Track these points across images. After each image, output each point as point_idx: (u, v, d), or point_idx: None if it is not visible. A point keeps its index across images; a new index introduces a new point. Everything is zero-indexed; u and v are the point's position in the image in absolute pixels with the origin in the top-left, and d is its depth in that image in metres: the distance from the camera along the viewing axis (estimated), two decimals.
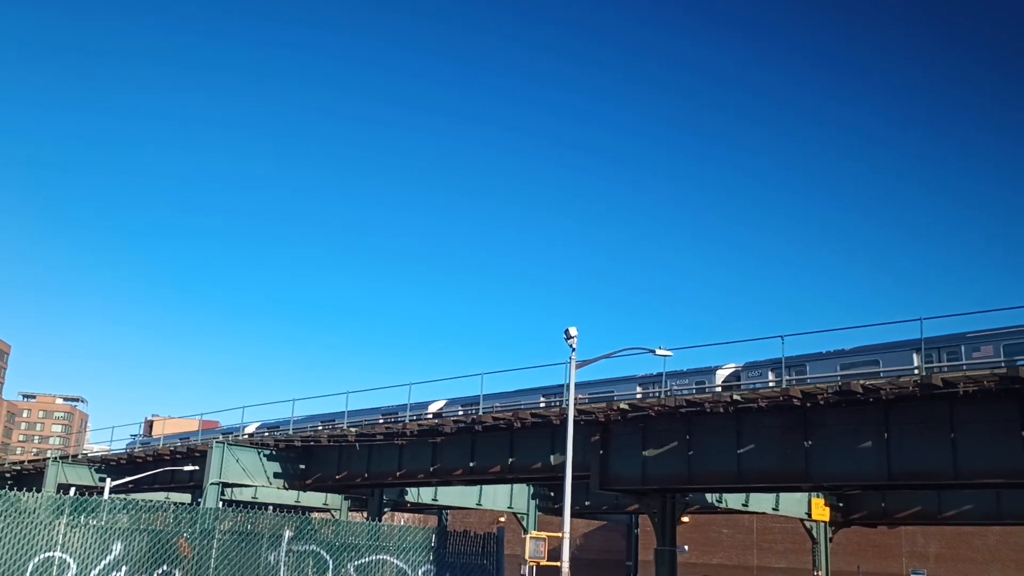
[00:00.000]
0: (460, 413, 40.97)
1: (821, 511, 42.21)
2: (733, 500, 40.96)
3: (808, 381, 29.58)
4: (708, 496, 39.46)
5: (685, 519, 41.64)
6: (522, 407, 37.68)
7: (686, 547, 54.91)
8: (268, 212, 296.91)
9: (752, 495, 40.92)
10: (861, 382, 25.94)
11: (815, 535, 45.72)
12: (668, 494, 33.49)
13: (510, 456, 34.84)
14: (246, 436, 46.05)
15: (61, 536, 17.02)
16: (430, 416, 44.30)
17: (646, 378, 41.35)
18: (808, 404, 26.82)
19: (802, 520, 44.97)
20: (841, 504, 44.92)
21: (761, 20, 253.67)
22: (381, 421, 42.81)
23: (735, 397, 28.15)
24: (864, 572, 66.56)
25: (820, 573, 45.32)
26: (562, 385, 43.44)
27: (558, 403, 38.06)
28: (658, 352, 29.09)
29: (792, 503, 42.45)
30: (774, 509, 42.29)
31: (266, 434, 45.28)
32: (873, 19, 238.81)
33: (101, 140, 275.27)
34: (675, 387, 38.68)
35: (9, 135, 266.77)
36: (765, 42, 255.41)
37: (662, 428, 30.47)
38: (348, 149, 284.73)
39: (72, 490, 46.62)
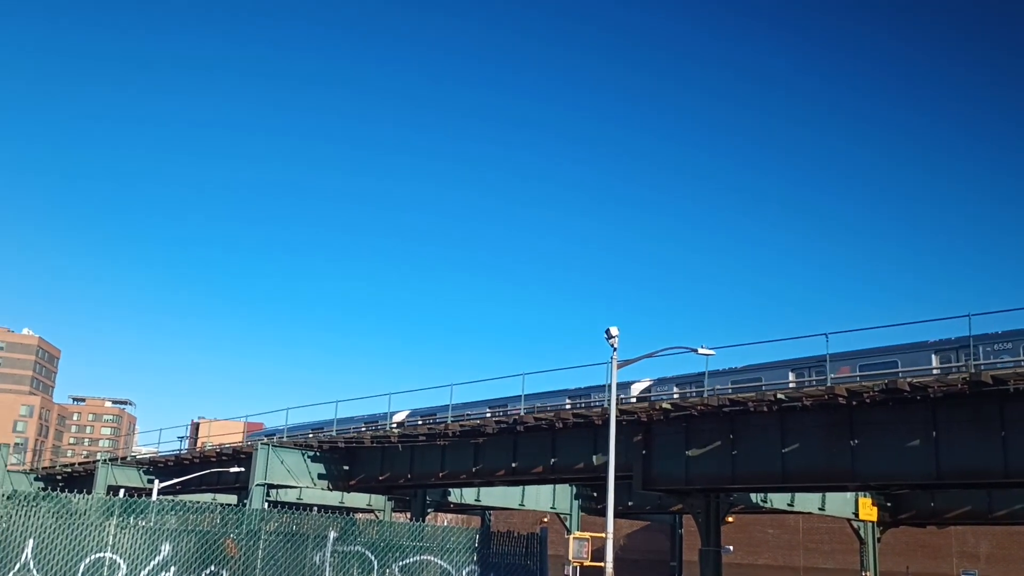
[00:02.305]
0: (489, 415, 41.14)
1: (868, 511, 41.66)
2: (778, 500, 40.58)
3: (830, 381, 29.34)
4: (753, 496, 39.13)
5: (730, 519, 41.30)
6: (563, 407, 37.66)
7: (731, 547, 54.43)
8: (308, 217, 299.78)
9: (798, 495, 40.51)
10: (908, 380, 25.57)
11: (863, 535, 45.14)
12: (712, 494, 33.25)
13: (552, 456, 34.80)
14: (290, 438, 46.48)
15: (111, 537, 17.29)
16: (471, 416, 44.37)
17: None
18: (854, 403, 26.49)
19: (849, 520, 44.42)
20: (889, 504, 44.31)
21: (793, 17, 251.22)
22: (420, 422, 43.16)
23: (779, 396, 27.90)
24: (913, 573, 65.52)
25: (868, 574, 44.72)
26: (587, 388, 43.55)
27: (596, 404, 37.95)
28: (700, 351, 28.91)
29: (839, 503, 41.94)
30: (820, 509, 41.82)
31: (310, 435, 45.68)
32: (901, 15, 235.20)
33: (138, 147, 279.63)
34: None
35: (51, 143, 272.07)
36: (814, 44, 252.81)
37: (705, 427, 30.26)
38: (385, 155, 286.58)
39: (121, 492, 47.46)
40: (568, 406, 40.15)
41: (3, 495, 18.18)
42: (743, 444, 29.52)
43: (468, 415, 41.82)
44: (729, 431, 29.79)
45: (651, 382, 40.84)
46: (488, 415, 41.40)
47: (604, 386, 42.41)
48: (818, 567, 72.11)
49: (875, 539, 45.22)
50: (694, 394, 34.40)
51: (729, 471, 29.84)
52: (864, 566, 44.98)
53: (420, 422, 43.56)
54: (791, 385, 30.78)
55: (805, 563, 73.10)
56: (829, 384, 27.61)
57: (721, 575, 33.45)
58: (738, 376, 35.19)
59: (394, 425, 44.13)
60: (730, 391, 34.57)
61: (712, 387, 33.93)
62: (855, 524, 44.86)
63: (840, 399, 26.39)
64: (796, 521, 71.96)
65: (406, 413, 49.66)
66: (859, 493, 40.93)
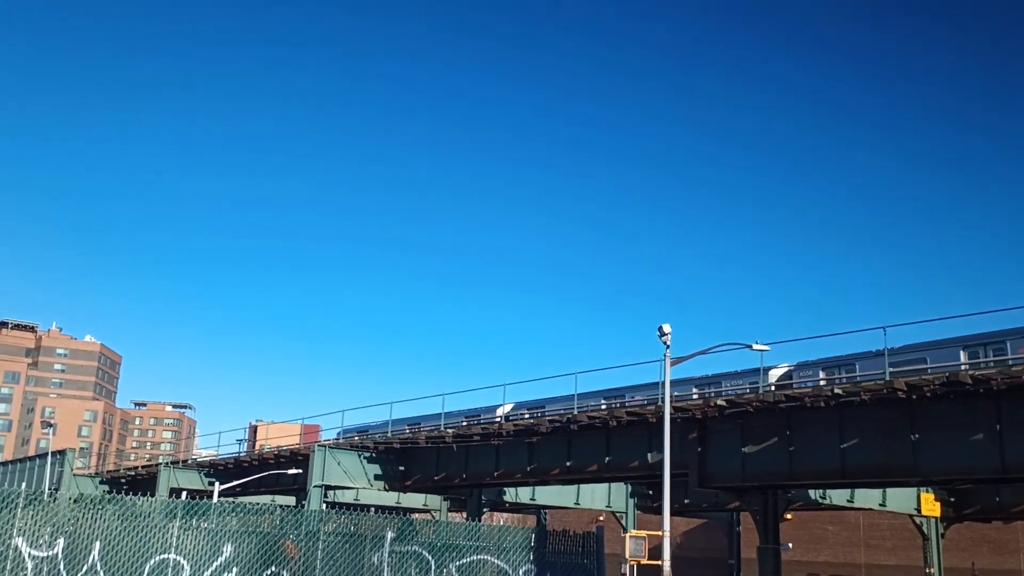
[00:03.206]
0: (525, 415, 40.94)
1: (931, 506, 40.87)
2: (837, 496, 40.01)
3: (858, 378, 28.95)
4: (811, 492, 38.63)
5: (788, 516, 40.84)
6: (616, 406, 37.52)
7: (790, 544, 53.73)
8: (364, 220, 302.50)
9: (857, 491, 39.91)
10: (971, 372, 25.06)
11: (926, 531, 44.28)
12: (769, 491, 32.88)
13: (607, 455, 34.71)
14: (346, 439, 46.97)
15: (175, 539, 17.66)
16: (525, 416, 44.40)
17: (703, 379, 40.63)
18: (914, 396, 26.02)
19: (911, 516, 43.62)
20: (953, 499, 43.44)
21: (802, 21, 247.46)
22: (526, 415, 42.84)
23: (836, 391, 27.51)
24: (979, 569, 64.07)
25: (932, 570, 43.83)
26: (627, 388, 43.24)
27: (627, 402, 37.75)
28: (755, 347, 28.59)
29: (900, 498, 41.22)
30: (881, 505, 41.14)
31: (363, 436, 46.12)
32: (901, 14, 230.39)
33: (185, 156, 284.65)
34: (728, 386, 38.32)
35: (104, 152, 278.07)
36: (831, 48, 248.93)
37: (761, 424, 29.95)
38: (436, 156, 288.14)
39: (183, 494, 48.35)
40: (603, 406, 39.97)
41: (71, 498, 18.66)
42: (800, 440, 29.16)
43: (559, 410, 41.29)
44: (786, 427, 29.45)
45: (790, 367, 38.91)
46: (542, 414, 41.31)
47: (640, 385, 42.29)
48: (880, 564, 70.89)
49: (939, 535, 44.31)
50: (751, 390, 34.00)
51: (786, 467, 29.49)
52: (928, 563, 44.10)
53: (527, 415, 42.60)
54: (963, 367, 29.82)
55: (867, 560, 71.92)
56: (887, 378, 27.14)
57: (780, 573, 33.06)
58: (897, 357, 33.40)
59: (500, 418, 43.76)
60: (767, 388, 34.17)
61: (866, 372, 33.45)
62: (918, 520, 44.02)
63: (900, 393, 25.93)
64: (857, 517, 70.87)
65: (510, 406, 48.90)
66: (921, 488, 40.20)
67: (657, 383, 39.01)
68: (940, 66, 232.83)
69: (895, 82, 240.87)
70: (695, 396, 36.75)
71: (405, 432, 43.95)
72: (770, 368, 38.62)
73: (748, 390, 35.16)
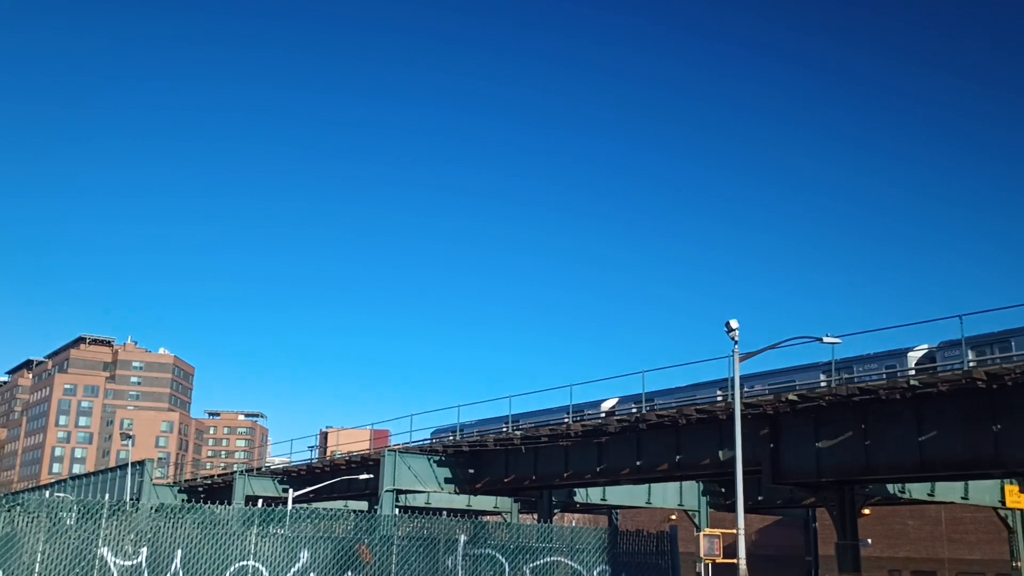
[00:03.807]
0: (633, 409, 39.94)
1: (1016, 498, 39.64)
2: (917, 490, 39.07)
3: (967, 365, 27.84)
4: (890, 487, 37.76)
5: (866, 511, 39.98)
6: (686, 403, 37.12)
7: (869, 540, 52.54)
8: (432, 226, 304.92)
9: (938, 484, 38.91)
10: None
11: (1011, 524, 42.97)
12: (846, 486, 32.19)
13: (677, 453, 34.38)
14: (415, 443, 47.28)
15: (253, 546, 17.94)
16: (595, 415, 44.09)
17: (827, 365, 38.53)
18: (994, 386, 25.24)
19: (996, 508, 42.37)
20: None
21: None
22: (633, 408, 42.01)
23: (912, 383, 26.84)
24: None
25: (1019, 564, 42.52)
26: (696, 384, 42.48)
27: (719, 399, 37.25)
28: (825, 340, 28.00)
29: (983, 491, 40.10)
30: (963, 498, 40.07)
31: (434, 440, 46.36)
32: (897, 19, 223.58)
33: (254, 160, 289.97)
34: (861, 371, 36.26)
35: (173, 162, 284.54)
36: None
37: (835, 418, 29.37)
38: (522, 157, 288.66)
39: (260, 502, 49.17)
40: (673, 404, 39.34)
41: (152, 508, 19.10)
42: (876, 433, 28.52)
43: (635, 407, 40.46)
44: (861, 421, 28.83)
45: (932, 348, 36.61)
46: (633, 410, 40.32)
47: (671, 390, 41.58)
48: (964, 558, 68.99)
49: None
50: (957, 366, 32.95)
51: (863, 461, 28.87)
52: (1015, 556, 42.79)
53: (633, 408, 41.42)
54: None
55: (949, 555, 70.06)
56: (967, 368, 26.39)
57: (860, 569, 32.33)
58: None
59: (602, 414, 43.23)
60: (860, 380, 33.46)
61: (894, 367, 32.58)
62: (1002, 512, 42.76)
63: (979, 383, 25.19)
64: (938, 511, 69.09)
65: (615, 400, 48.13)
66: (1005, 480, 39.01)
67: (904, 350, 36.96)
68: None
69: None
70: (821, 382, 35.10)
71: (502, 431, 43.55)
72: (907, 351, 36.44)
73: (822, 384, 34.48)
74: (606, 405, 46.85)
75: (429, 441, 45.62)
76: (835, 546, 32.59)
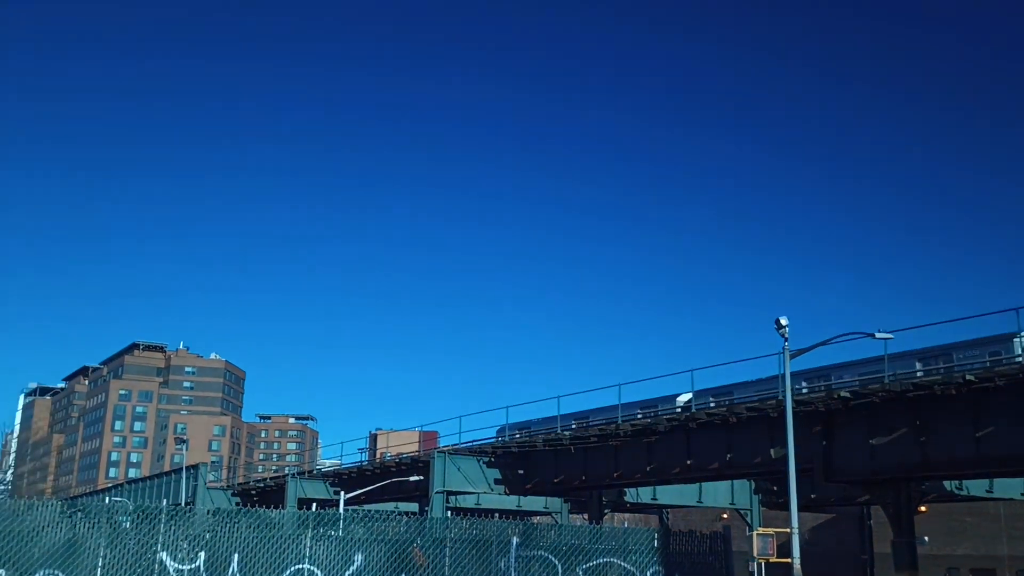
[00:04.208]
0: (712, 405, 39.22)
1: None
2: (975, 486, 38.34)
3: None
4: (947, 483, 37.09)
5: (922, 509, 39.22)
6: (737, 401, 36.79)
7: (926, 538, 51.62)
8: (476, 228, 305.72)
9: (996, 480, 38.12)
10: None
11: None
12: (901, 483, 31.68)
13: (728, 452, 34.09)
14: (464, 445, 47.41)
15: (308, 549, 18.15)
16: (670, 410, 43.30)
17: (923, 352, 35.68)
18: None
19: None
20: None
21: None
22: (712, 402, 41.23)
23: (968, 377, 26.34)
24: None
25: None
26: (668, 396, 41.81)
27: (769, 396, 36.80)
28: (878, 335, 27.59)
29: None
30: (1023, 494, 39.19)
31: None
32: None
33: (302, 168, 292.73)
34: (962, 359, 34.08)
35: (225, 167, 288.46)
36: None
37: (889, 415, 28.92)
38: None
39: (313, 504, 49.65)
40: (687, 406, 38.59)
41: (208, 511, 19.42)
42: (932, 430, 28.04)
43: (713, 403, 39.73)
44: (915, 417, 28.36)
45: None
46: (712, 405, 39.59)
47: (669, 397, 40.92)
48: None
49: None
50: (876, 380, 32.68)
51: (918, 458, 28.39)
52: None
53: (712, 403, 40.66)
54: None
55: (1009, 552, 68.52)
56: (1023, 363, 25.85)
57: (917, 567, 31.82)
58: None
59: (678, 408, 42.40)
60: (917, 376, 32.90)
61: (894, 371, 31.99)
62: None
63: None
64: (996, 508, 67.56)
65: (690, 395, 47.15)
66: None
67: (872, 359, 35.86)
68: None
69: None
70: (920, 371, 33.16)
71: (571, 426, 43.20)
72: (1012, 335, 32.86)
73: (874, 380, 33.92)
74: (682, 399, 45.76)
75: (480, 442, 45.55)
76: (891, 544, 32.11)
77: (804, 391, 35.46)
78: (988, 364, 31.36)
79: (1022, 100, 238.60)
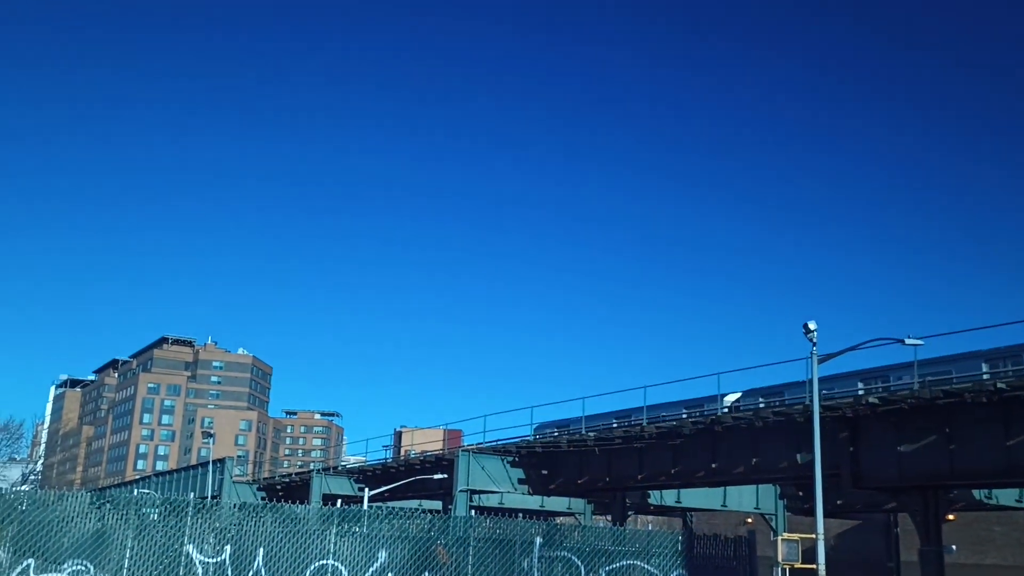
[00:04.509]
0: (761, 404, 38.77)
1: None
2: (1005, 496, 37.88)
3: None
4: (975, 492, 36.66)
5: (950, 517, 38.84)
6: (763, 406, 36.54)
7: (954, 547, 50.99)
8: (502, 227, 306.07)
9: None
10: None
11: None
12: (929, 491, 31.34)
13: (753, 456, 33.87)
14: (489, 444, 47.48)
15: (332, 545, 18.25)
16: (712, 411, 42.83)
17: (992, 353, 34.40)
18: None
19: None
20: None
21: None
22: (761, 403, 40.69)
23: (999, 386, 26.01)
24: None
25: None
26: (785, 385, 41.21)
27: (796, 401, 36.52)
28: (907, 341, 27.29)
29: None
30: None
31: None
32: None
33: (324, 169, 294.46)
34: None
35: (248, 167, 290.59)
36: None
37: (918, 422, 28.62)
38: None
39: (338, 501, 49.91)
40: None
41: (234, 506, 19.57)
42: (961, 438, 27.72)
43: (763, 402, 39.23)
44: (945, 424, 28.04)
45: None
46: (762, 405, 39.31)
47: (714, 397, 40.56)
48: None
49: None
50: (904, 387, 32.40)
51: (947, 466, 28.08)
52: None
53: (761, 403, 40.12)
54: None
55: None
56: None
57: None
58: None
59: (722, 408, 41.81)
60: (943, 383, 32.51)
61: (923, 378, 31.61)
62: None
63: None
64: None
65: (738, 394, 46.53)
66: None
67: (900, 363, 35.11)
68: None
69: None
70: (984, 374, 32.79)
71: (633, 422, 42.68)
72: None
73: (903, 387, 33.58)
74: (729, 399, 45.17)
75: (505, 441, 45.56)
76: (918, 552, 31.76)
77: (859, 391, 34.76)
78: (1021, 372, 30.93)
79: None
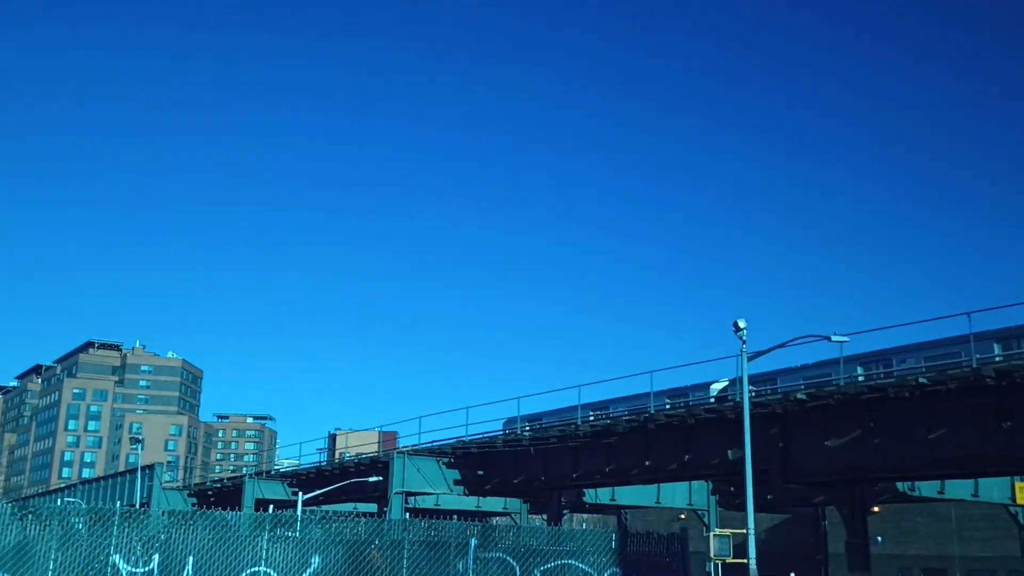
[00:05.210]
0: (667, 406, 39.16)
1: None
2: (927, 488, 38.97)
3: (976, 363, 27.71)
4: (900, 485, 37.66)
5: (876, 509, 39.81)
6: (694, 403, 37.07)
7: (879, 538, 52.46)
8: (432, 231, 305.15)
9: (948, 482, 38.78)
10: None
11: (1021, 521, 42.85)
12: (855, 485, 32.13)
13: (686, 453, 34.34)
14: (424, 446, 47.29)
15: (264, 551, 17.99)
16: (704, 400, 42.98)
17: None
18: (1003, 383, 25.17)
19: (1006, 506, 42.23)
20: None
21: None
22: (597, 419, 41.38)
23: (921, 380, 26.76)
24: None
25: None
26: (683, 388, 41.95)
27: (728, 399, 37.15)
28: (834, 338, 27.95)
29: (993, 488, 39.94)
30: (973, 496, 39.93)
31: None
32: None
33: (261, 171, 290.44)
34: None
35: (186, 167, 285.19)
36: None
37: (844, 417, 29.30)
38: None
39: (270, 506, 49.21)
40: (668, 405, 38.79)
41: (163, 513, 19.17)
42: (886, 432, 28.46)
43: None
44: (870, 420, 28.77)
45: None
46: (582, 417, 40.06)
47: (704, 384, 41.14)
48: (974, 556, 68.74)
49: None
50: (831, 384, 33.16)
51: (873, 460, 28.81)
52: None
53: (753, 390, 40.04)
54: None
55: (960, 552, 69.81)
56: (976, 366, 26.31)
57: (870, 567, 32.31)
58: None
59: (710, 397, 41.77)
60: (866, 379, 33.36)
61: (849, 374, 32.51)
62: (1012, 510, 42.63)
63: (988, 380, 25.12)
64: (948, 509, 68.80)
65: (726, 382, 46.36)
66: (1016, 478, 38.87)
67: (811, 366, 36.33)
68: None
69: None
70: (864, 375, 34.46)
71: (590, 418, 42.72)
72: None
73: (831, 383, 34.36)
74: (716, 387, 45.09)
75: (440, 442, 45.47)
76: (845, 544, 32.54)
77: (860, 377, 35.22)
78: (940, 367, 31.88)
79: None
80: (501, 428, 47.66)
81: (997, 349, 31.02)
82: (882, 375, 34.63)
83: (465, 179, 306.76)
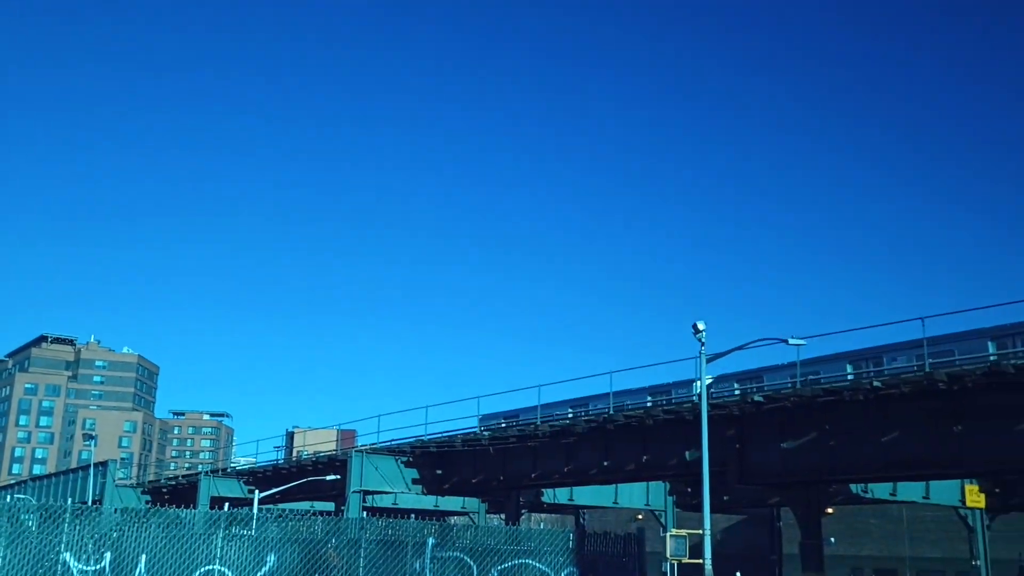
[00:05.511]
0: (737, 391, 39.09)
1: (975, 498, 40.30)
2: (880, 490, 39.53)
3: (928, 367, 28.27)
4: (853, 487, 38.20)
5: (830, 510, 40.35)
6: (652, 404, 37.28)
7: (832, 539, 53.04)
8: (397, 224, 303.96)
9: (900, 484, 39.41)
10: (1012, 363, 24.66)
11: (971, 523, 43.66)
12: (811, 486, 32.56)
13: (644, 454, 34.56)
14: (383, 444, 47.11)
15: (219, 549, 17.80)
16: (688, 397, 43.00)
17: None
18: (955, 387, 25.64)
19: (956, 508, 43.02)
20: (998, 490, 42.79)
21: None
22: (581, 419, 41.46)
23: (875, 384, 27.18)
24: None
25: (979, 563, 43.23)
26: (672, 384, 42.22)
27: (686, 400, 37.42)
28: (791, 341, 28.27)
29: (944, 491, 40.67)
30: (924, 498, 40.61)
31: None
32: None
33: (230, 167, 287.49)
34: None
35: (140, 164, 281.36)
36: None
37: (800, 419, 29.67)
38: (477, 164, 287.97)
39: (226, 504, 48.73)
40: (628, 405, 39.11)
41: (115, 511, 18.89)
42: (841, 434, 28.86)
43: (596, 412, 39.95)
44: (825, 422, 29.16)
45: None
46: (570, 415, 40.75)
47: (688, 381, 41.33)
48: (925, 556, 69.95)
49: (984, 526, 43.69)
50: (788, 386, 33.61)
51: (827, 462, 29.20)
52: (974, 555, 43.50)
53: (737, 388, 40.60)
54: (992, 357, 29.35)
55: (911, 553, 71.02)
56: (928, 370, 26.78)
57: (823, 568, 32.72)
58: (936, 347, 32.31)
59: (694, 394, 41.60)
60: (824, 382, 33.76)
61: (804, 377, 32.99)
62: (962, 512, 43.42)
63: (940, 384, 25.57)
64: (900, 511, 69.93)
65: (710, 379, 45.58)
66: (966, 480, 39.60)
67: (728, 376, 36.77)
68: None
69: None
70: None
71: (568, 416, 42.64)
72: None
73: (788, 385, 34.79)
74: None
75: (399, 441, 45.41)
76: (799, 545, 32.93)
77: (850, 376, 35.59)
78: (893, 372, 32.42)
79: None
80: (476, 425, 47.54)
81: (992, 346, 31.48)
82: (864, 375, 34.97)
83: (425, 175, 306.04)
